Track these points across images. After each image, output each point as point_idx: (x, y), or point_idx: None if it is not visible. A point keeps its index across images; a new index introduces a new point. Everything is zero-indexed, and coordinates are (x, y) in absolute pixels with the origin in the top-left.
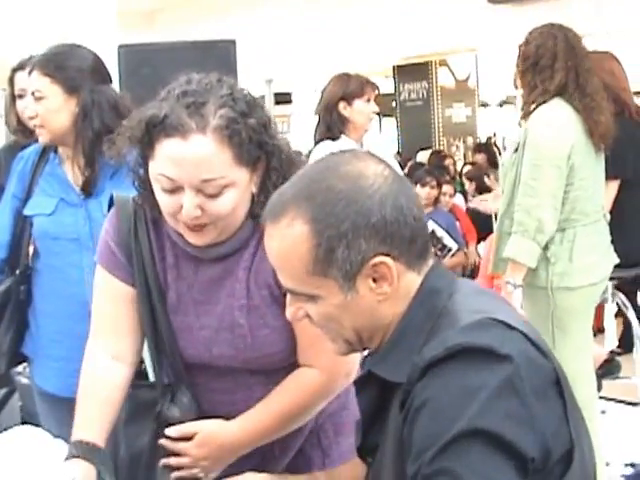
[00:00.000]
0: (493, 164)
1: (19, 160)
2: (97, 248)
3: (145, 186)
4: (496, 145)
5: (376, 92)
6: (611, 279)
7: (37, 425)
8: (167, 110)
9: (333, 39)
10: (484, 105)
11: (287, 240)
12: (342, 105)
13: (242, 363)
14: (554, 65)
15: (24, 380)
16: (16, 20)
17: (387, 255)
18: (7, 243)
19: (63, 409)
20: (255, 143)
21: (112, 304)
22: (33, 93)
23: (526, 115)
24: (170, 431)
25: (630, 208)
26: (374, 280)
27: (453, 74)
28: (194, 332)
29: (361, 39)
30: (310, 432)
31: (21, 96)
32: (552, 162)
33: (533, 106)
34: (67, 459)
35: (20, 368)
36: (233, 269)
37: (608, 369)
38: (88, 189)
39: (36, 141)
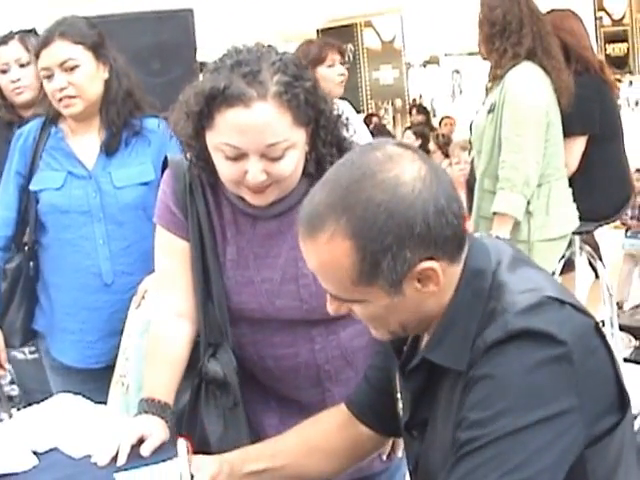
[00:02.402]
0: (430, 126)
1: (18, 137)
2: (155, 210)
3: (201, 157)
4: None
5: (341, 52)
6: (579, 233)
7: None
8: (226, 81)
9: (257, 4)
10: (409, 66)
11: (328, 255)
12: None
13: (305, 313)
14: (521, 30)
15: (20, 356)
16: None
17: (431, 259)
18: (14, 220)
19: (77, 381)
20: (310, 104)
21: (175, 262)
22: (62, 64)
23: (496, 78)
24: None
25: (598, 162)
26: (419, 280)
27: (379, 35)
28: (256, 286)
29: (284, 3)
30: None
31: (4, 71)
32: (534, 119)
33: (506, 69)
34: (138, 414)
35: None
36: (292, 223)
37: None
38: (112, 150)
39: (19, 117)
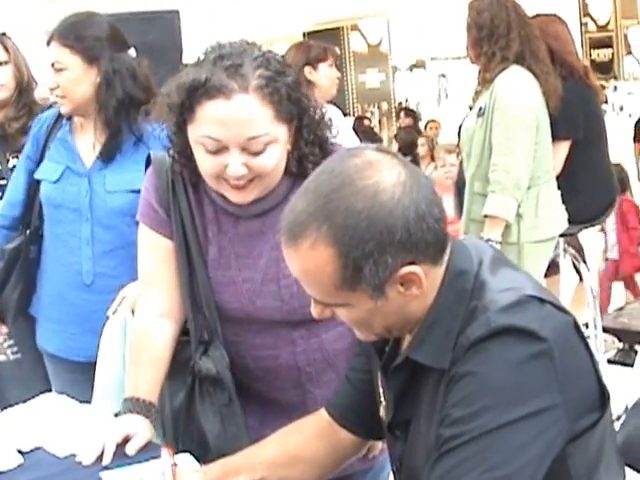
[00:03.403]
0: (418, 130)
1: (37, 122)
2: (139, 208)
3: (184, 153)
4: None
5: (335, 56)
6: (563, 235)
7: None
8: (207, 74)
9: (243, 6)
10: (395, 69)
11: (311, 262)
12: (307, 70)
13: (286, 314)
14: (509, 34)
15: (1, 357)
16: None
17: (413, 263)
18: (21, 202)
19: (66, 369)
20: (293, 100)
21: (158, 261)
22: (53, 64)
23: (485, 82)
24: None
25: (581, 167)
26: (402, 284)
27: (365, 39)
28: (237, 285)
29: (271, 6)
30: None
31: None
32: (524, 122)
33: (495, 73)
34: (123, 414)
35: None
36: (274, 223)
37: None
38: (109, 156)
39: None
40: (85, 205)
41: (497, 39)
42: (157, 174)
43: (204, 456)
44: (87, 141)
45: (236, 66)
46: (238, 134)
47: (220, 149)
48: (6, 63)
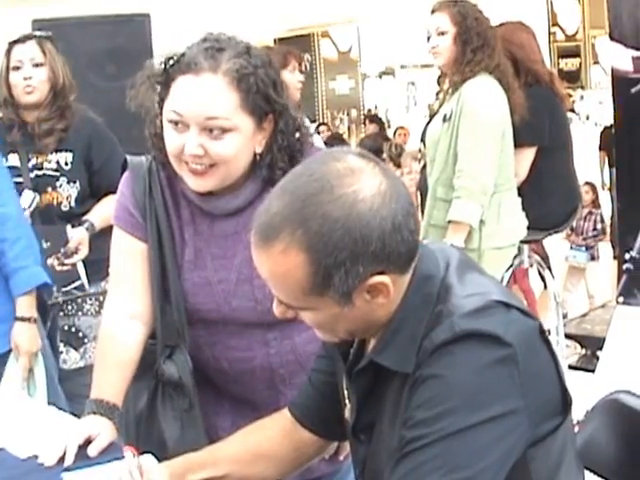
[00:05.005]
0: (383, 136)
1: None
2: (114, 212)
3: (160, 135)
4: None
5: (300, 61)
6: (527, 242)
7: None
8: (187, 51)
9: (214, 11)
10: (365, 77)
11: (282, 266)
12: None
13: (260, 314)
14: (484, 46)
15: None
16: None
17: (383, 273)
18: None
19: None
20: (262, 95)
21: (130, 263)
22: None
23: (453, 85)
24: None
25: (547, 173)
26: (369, 292)
27: (335, 46)
28: (212, 286)
29: (241, 11)
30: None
31: (17, 67)
32: (491, 129)
33: (463, 79)
34: (86, 415)
35: None
36: (248, 223)
37: None
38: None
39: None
40: None
41: (483, 46)
42: (134, 178)
43: (162, 460)
44: None
45: (216, 49)
46: (198, 111)
47: (182, 126)
48: (42, 65)
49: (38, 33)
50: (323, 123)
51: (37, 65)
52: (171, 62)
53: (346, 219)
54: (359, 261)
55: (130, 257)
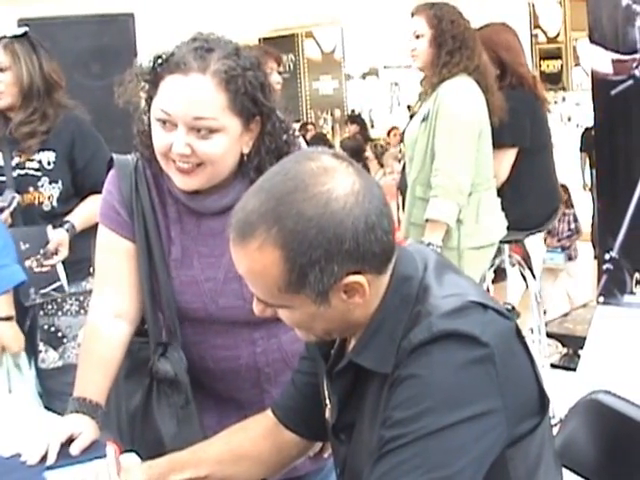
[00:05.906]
0: (365, 137)
1: None
2: (99, 210)
3: (147, 134)
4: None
5: (279, 61)
6: (508, 242)
7: None
8: (176, 50)
9: (198, 11)
10: (348, 77)
11: (258, 263)
12: None
13: (248, 313)
14: (461, 48)
15: None
16: None
17: (358, 273)
18: None
19: None
20: (250, 96)
21: (116, 262)
22: None
23: (431, 86)
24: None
25: (527, 174)
26: (345, 292)
27: (319, 46)
28: (199, 285)
29: (226, 11)
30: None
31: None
32: (467, 128)
33: (440, 79)
34: (69, 413)
35: None
36: None
37: None
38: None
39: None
40: None
41: (460, 48)
42: (120, 176)
43: (160, 457)
44: None
45: (205, 49)
46: (186, 111)
47: (170, 125)
48: (7, 69)
49: (8, 34)
50: (310, 123)
51: (1, 70)
52: (160, 61)
53: (320, 217)
54: (334, 260)
55: (115, 255)
